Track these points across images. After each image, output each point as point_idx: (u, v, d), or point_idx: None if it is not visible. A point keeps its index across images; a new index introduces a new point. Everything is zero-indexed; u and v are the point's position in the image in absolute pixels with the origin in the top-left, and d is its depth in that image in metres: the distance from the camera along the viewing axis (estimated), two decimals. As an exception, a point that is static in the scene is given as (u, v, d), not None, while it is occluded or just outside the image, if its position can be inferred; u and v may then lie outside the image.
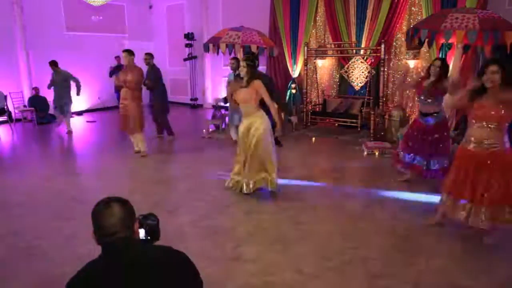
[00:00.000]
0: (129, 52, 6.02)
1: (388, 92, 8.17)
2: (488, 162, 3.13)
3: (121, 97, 6.16)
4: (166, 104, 7.64)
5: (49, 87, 8.68)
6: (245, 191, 4.43)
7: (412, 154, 4.63)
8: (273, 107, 4.39)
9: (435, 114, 4.46)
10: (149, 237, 1.72)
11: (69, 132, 8.56)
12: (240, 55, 8.10)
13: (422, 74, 4.57)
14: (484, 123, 3.11)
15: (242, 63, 4.24)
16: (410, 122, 4.98)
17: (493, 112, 3.05)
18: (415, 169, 4.69)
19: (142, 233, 1.69)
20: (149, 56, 7.33)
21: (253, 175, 4.39)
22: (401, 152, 4.76)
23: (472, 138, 3.21)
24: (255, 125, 4.30)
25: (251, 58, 4.32)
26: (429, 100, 4.43)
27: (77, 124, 10.03)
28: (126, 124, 6.12)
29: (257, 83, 4.22)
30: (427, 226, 3.67)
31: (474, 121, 3.18)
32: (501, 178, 3.10)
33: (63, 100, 8.48)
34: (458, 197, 3.29)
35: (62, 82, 8.52)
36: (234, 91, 4.36)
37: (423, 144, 4.52)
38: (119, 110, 6.32)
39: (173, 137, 7.67)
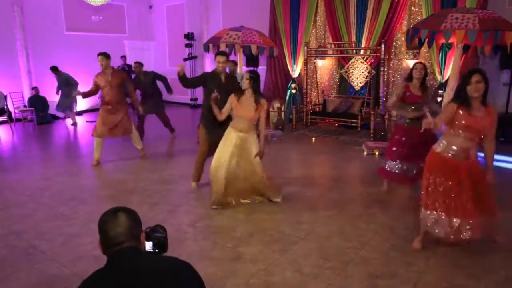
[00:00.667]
0: (106, 56, 5.78)
1: (389, 91, 8.18)
2: (465, 174, 3.05)
3: (106, 101, 5.82)
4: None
5: (57, 92, 9.71)
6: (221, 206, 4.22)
7: (398, 161, 4.42)
8: (264, 130, 4.26)
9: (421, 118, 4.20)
10: (156, 250, 1.71)
11: (74, 124, 9.65)
12: (240, 55, 8.11)
13: (402, 84, 4.33)
14: (473, 135, 3.02)
15: (245, 75, 4.07)
16: (394, 130, 4.69)
17: (485, 128, 3.00)
18: (398, 178, 4.51)
19: (149, 245, 1.68)
20: (139, 64, 7.39)
21: (245, 195, 4.32)
22: (392, 162, 4.49)
23: (454, 147, 3.08)
24: (252, 148, 4.15)
25: (255, 72, 4.17)
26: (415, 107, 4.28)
27: (77, 124, 10.04)
28: (118, 128, 5.94)
29: (264, 103, 4.08)
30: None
31: (460, 131, 3.03)
32: (474, 190, 3.06)
33: (69, 100, 9.58)
34: (450, 216, 3.09)
35: (66, 84, 9.51)
36: (235, 102, 4.08)
37: (412, 149, 4.30)
38: (103, 117, 5.85)
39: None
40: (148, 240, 1.68)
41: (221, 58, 4.57)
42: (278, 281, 2.84)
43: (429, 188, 3.16)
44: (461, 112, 2.98)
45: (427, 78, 4.42)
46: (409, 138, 4.32)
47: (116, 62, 11.80)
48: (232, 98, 4.12)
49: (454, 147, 3.08)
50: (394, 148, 4.45)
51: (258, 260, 3.12)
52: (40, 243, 3.46)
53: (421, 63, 4.39)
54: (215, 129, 4.52)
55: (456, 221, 3.07)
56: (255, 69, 9.95)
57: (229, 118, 4.34)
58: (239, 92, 4.12)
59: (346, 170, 5.79)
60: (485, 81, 2.94)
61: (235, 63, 6.99)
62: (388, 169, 4.52)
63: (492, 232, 3.21)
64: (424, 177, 3.23)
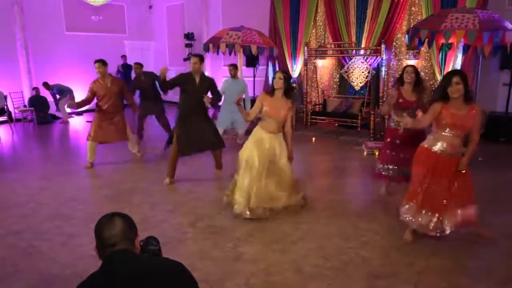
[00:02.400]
0: (103, 63, 5.71)
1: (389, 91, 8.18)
2: (452, 169, 3.19)
3: (103, 110, 5.75)
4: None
5: (56, 105, 10.21)
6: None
7: (391, 164, 4.34)
8: (291, 133, 4.14)
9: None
10: None
11: (64, 122, 10.15)
12: (240, 55, 8.11)
13: (394, 92, 4.19)
14: (459, 132, 3.14)
15: (278, 75, 3.92)
16: (385, 133, 4.57)
17: (469, 124, 3.11)
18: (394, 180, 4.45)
19: None
20: (139, 65, 7.30)
21: (274, 201, 4.05)
22: (384, 165, 4.41)
23: (443, 144, 3.18)
24: (283, 152, 4.05)
25: (287, 72, 4.09)
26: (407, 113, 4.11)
27: (77, 124, 10.04)
28: (114, 134, 5.86)
29: (290, 104, 3.96)
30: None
31: (447, 129, 3.14)
32: (452, 186, 3.21)
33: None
34: (434, 211, 3.24)
35: (60, 93, 10.08)
36: (266, 102, 3.92)
37: (403, 150, 4.21)
38: (99, 121, 5.78)
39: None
40: (143, 253, 1.69)
41: (194, 59, 4.73)
42: (278, 281, 2.84)
43: (413, 179, 3.37)
44: (445, 111, 3.10)
45: (422, 79, 4.27)
46: (401, 141, 4.20)
47: (116, 62, 11.81)
48: (262, 98, 3.96)
49: (443, 144, 3.19)
50: (387, 151, 4.36)
51: (258, 260, 3.12)
52: (40, 243, 3.46)
53: (412, 66, 4.22)
54: (187, 127, 4.81)
55: (428, 214, 3.26)
56: (256, 68, 9.98)
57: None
58: (270, 92, 3.96)
59: (346, 170, 5.79)
60: (464, 82, 3.05)
61: (235, 66, 6.95)
62: (382, 171, 4.42)
63: (473, 224, 3.27)
64: (412, 171, 3.42)
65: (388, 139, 4.37)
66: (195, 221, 3.89)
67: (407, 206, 3.38)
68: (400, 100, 4.12)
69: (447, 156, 3.19)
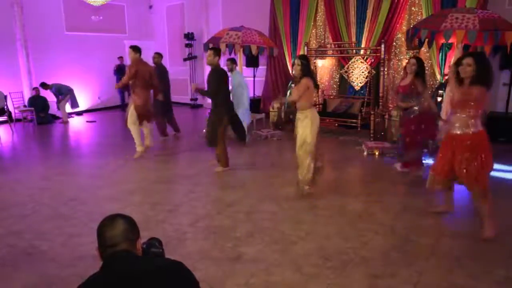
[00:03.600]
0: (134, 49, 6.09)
1: (389, 91, 8.18)
2: (468, 143, 3.36)
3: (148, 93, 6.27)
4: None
5: (58, 105, 10.22)
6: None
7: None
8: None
9: (415, 108, 4.81)
10: None
11: (64, 123, 10.13)
12: (240, 55, 8.11)
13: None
14: (465, 109, 3.32)
15: (296, 61, 4.31)
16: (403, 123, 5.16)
17: (471, 103, 3.27)
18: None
19: None
20: (157, 55, 7.61)
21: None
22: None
23: (456, 124, 3.40)
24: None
25: (306, 58, 4.45)
26: (407, 98, 4.79)
27: (77, 124, 10.05)
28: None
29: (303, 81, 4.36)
30: (427, 225, 3.68)
31: (457, 109, 3.37)
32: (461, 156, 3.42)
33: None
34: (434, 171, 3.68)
35: (59, 93, 10.11)
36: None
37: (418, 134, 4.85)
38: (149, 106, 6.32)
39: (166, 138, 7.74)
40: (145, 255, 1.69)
41: (208, 52, 5.22)
42: (278, 281, 2.84)
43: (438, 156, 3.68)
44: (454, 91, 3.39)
45: (424, 71, 4.85)
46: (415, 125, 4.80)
47: (116, 62, 11.81)
48: (294, 88, 4.43)
49: (456, 124, 3.40)
50: (407, 139, 4.95)
51: (258, 260, 3.12)
52: (40, 243, 3.46)
53: (414, 57, 4.75)
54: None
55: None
56: (255, 69, 9.99)
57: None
58: (296, 80, 4.37)
59: (346, 170, 5.79)
60: (477, 65, 3.21)
61: (233, 61, 7.00)
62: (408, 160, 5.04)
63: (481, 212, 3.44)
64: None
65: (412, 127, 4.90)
66: (195, 221, 3.89)
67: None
68: (398, 85, 4.80)
69: (462, 132, 3.36)
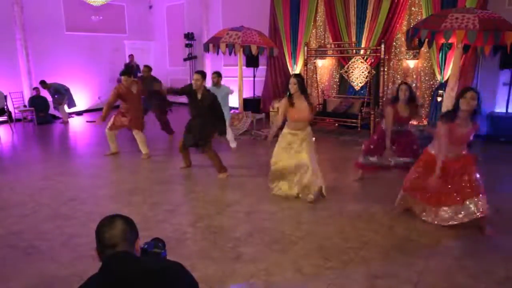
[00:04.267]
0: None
1: (389, 91, 8.18)
2: (450, 171, 3.55)
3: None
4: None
5: (54, 104, 10.18)
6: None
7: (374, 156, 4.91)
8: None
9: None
10: None
11: (64, 123, 10.10)
12: (240, 55, 8.11)
13: (390, 110, 4.59)
14: (459, 145, 3.51)
15: (292, 80, 4.22)
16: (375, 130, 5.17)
17: (469, 136, 3.48)
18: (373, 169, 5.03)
19: None
20: (146, 68, 7.64)
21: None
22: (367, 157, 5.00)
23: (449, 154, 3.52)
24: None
25: (300, 76, 4.38)
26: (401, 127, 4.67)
27: (77, 124, 10.04)
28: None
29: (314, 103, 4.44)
30: (428, 225, 3.68)
31: (453, 143, 3.48)
32: (454, 183, 3.58)
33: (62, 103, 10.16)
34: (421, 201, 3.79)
35: (57, 93, 10.05)
36: (287, 107, 4.28)
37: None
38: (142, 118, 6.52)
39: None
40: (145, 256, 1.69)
41: (196, 76, 5.02)
42: (278, 281, 2.84)
43: (413, 177, 3.81)
44: (451, 130, 3.44)
45: (415, 96, 4.79)
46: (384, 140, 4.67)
47: (116, 62, 11.80)
48: (285, 105, 4.27)
49: (449, 154, 3.53)
50: (372, 146, 4.88)
51: (258, 260, 3.12)
52: (40, 243, 3.46)
53: (405, 83, 4.67)
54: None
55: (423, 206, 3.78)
56: (255, 69, 9.98)
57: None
58: (290, 98, 4.24)
59: (346, 170, 5.78)
60: (478, 101, 3.39)
61: (218, 74, 6.66)
62: (363, 162, 4.99)
63: (481, 220, 3.49)
64: (413, 168, 3.88)
65: (375, 137, 4.90)
66: (195, 221, 3.89)
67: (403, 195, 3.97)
68: (396, 116, 4.56)
69: (450, 159, 3.53)
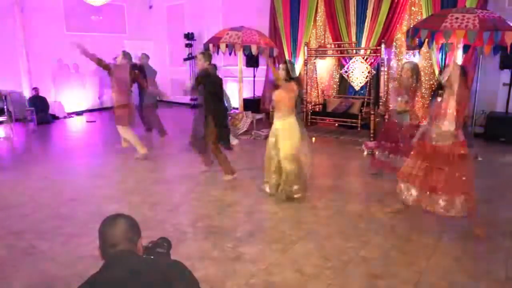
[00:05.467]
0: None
1: (388, 91, 8.17)
2: (435, 155, 3.51)
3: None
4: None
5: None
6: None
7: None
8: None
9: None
10: None
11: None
12: (240, 55, 8.11)
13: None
14: (443, 121, 3.44)
15: (281, 66, 4.36)
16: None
17: (449, 110, 3.40)
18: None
19: None
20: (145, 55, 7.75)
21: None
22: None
23: (433, 135, 3.51)
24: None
25: (290, 62, 4.54)
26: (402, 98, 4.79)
27: (77, 124, 10.04)
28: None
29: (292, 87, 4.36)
30: (428, 225, 3.68)
31: (436, 119, 3.49)
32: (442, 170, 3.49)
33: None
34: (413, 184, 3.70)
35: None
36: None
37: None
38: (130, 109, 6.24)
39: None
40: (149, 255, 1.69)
41: (198, 56, 5.17)
42: (278, 281, 2.84)
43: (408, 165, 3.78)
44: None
45: (419, 78, 4.81)
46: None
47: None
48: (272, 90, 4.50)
49: (433, 135, 3.52)
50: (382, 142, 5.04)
51: (258, 260, 3.12)
52: (40, 243, 3.46)
53: (408, 63, 4.84)
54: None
55: (414, 189, 3.68)
56: (255, 69, 9.97)
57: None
58: (277, 82, 4.35)
59: (346, 170, 5.79)
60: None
61: (215, 67, 6.71)
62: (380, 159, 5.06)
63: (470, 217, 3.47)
64: (410, 157, 3.83)
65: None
66: (195, 221, 3.89)
67: (401, 185, 3.88)
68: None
69: (440, 143, 3.49)
